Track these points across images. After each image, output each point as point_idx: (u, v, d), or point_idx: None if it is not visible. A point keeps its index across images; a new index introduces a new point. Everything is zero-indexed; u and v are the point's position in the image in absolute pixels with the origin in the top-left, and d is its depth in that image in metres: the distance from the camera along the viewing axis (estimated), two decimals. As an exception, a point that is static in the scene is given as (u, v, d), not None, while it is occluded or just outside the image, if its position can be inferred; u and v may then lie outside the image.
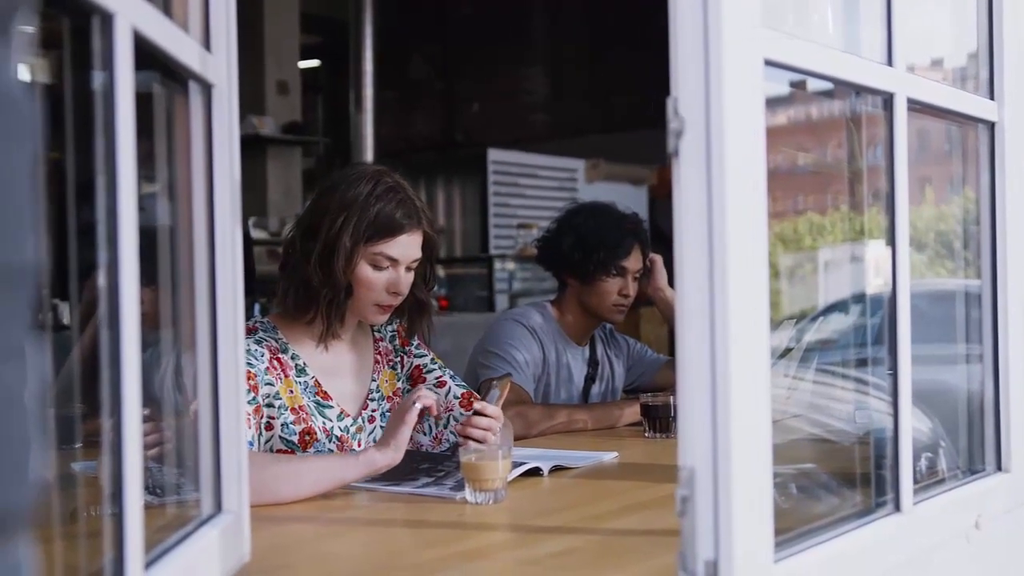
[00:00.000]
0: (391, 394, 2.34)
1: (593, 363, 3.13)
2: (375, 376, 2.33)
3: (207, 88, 1.34)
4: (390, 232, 2.15)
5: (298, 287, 2.18)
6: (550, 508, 1.90)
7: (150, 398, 1.12)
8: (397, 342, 2.39)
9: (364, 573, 1.53)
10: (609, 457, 2.33)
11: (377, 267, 2.16)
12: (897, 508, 1.50)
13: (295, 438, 2.14)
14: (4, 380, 0.56)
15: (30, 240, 0.58)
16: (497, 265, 7.51)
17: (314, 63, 10.10)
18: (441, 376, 2.38)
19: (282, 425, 2.13)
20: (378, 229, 2.14)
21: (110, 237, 0.99)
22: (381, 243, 2.15)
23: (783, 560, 1.25)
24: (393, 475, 2.02)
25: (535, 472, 2.09)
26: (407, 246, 2.18)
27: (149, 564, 1.08)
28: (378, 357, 2.35)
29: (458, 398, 2.33)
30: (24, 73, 0.59)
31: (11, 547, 0.57)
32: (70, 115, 1.08)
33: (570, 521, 1.76)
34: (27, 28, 0.60)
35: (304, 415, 2.16)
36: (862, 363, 1.92)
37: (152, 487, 1.33)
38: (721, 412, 1.15)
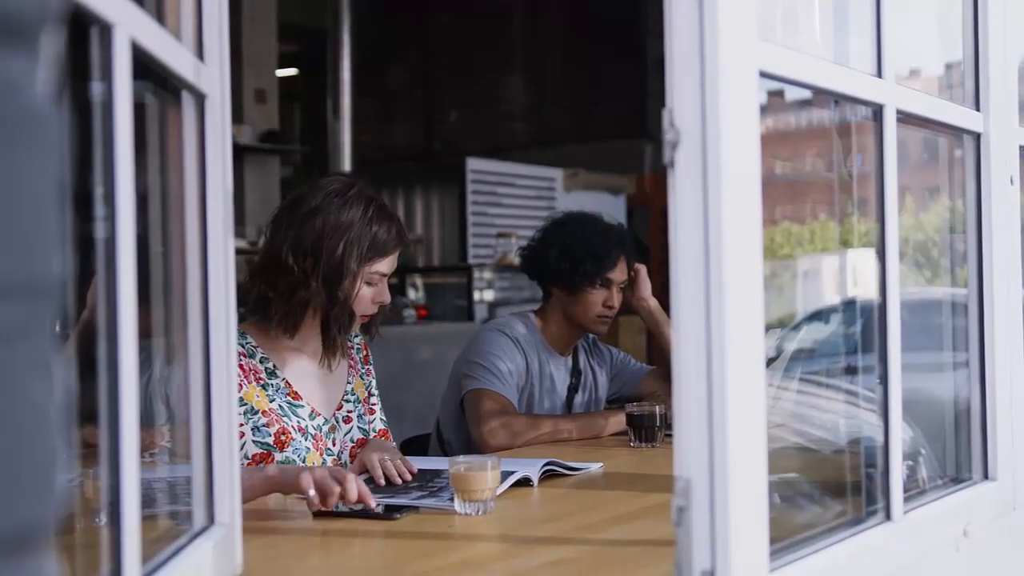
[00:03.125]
0: (363, 399, 2.44)
1: (576, 373, 3.13)
2: (350, 379, 2.41)
3: (200, 98, 1.33)
4: (386, 252, 2.28)
5: (298, 307, 2.23)
6: (540, 518, 1.90)
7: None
8: (361, 356, 2.49)
9: (355, 585, 1.52)
10: (596, 467, 2.33)
11: (370, 284, 2.27)
12: (888, 517, 1.50)
13: (270, 439, 2.19)
14: (32, 393, 0.56)
15: (57, 254, 0.58)
16: (476, 274, 7.49)
17: (292, 71, 10.08)
18: (375, 405, 2.49)
19: (253, 429, 2.18)
20: (377, 250, 2.26)
21: (108, 247, 0.99)
22: (379, 263, 2.27)
23: (778, 569, 1.25)
24: (387, 490, 2.01)
25: (524, 482, 2.09)
26: (394, 260, 2.32)
27: (145, 577, 1.08)
28: (351, 363, 2.44)
29: (375, 432, 2.42)
30: (50, 86, 0.59)
31: (38, 561, 0.56)
32: (65, 125, 1.07)
33: (561, 531, 1.75)
34: (54, 42, 0.60)
35: (275, 416, 2.21)
36: (845, 372, 1.93)
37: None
38: (717, 422, 1.15)
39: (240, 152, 7.31)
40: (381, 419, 2.49)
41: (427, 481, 2.10)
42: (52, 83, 0.60)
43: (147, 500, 1.39)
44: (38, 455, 0.56)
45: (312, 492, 1.79)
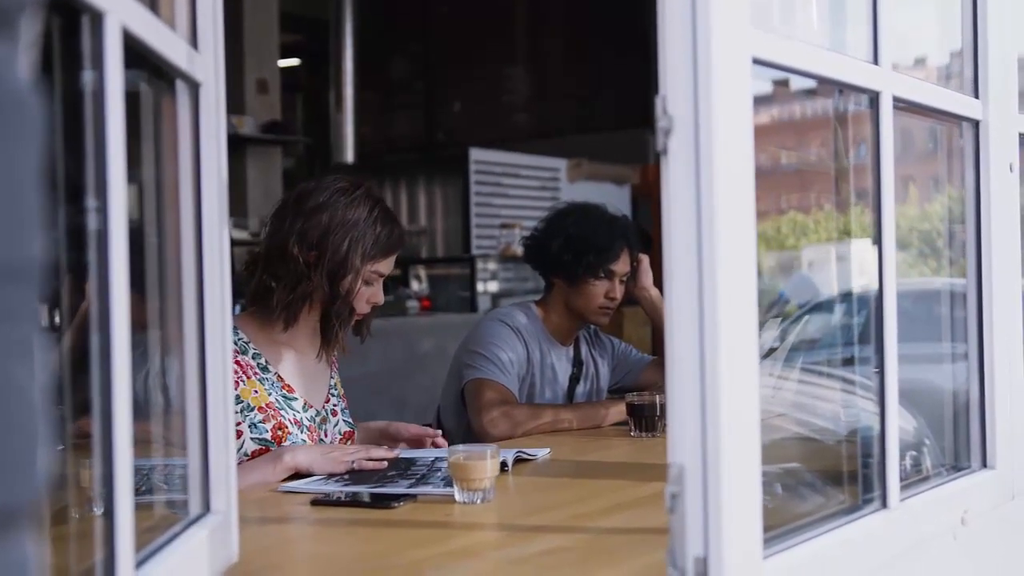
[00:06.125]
0: (343, 395, 2.49)
1: (578, 363, 3.13)
2: (333, 375, 2.46)
3: (194, 87, 1.33)
4: (388, 252, 2.32)
5: (299, 299, 2.26)
6: (538, 507, 1.90)
7: (135, 399, 1.12)
8: (336, 355, 2.51)
9: (352, 573, 1.52)
10: (543, 453, 2.35)
11: (367, 283, 2.31)
12: (884, 504, 1.50)
13: (268, 435, 2.22)
14: (14, 376, 0.56)
15: (37, 238, 0.59)
16: (479, 265, 7.49)
17: (294, 62, 10.08)
18: (343, 404, 2.50)
19: (251, 426, 2.21)
20: (380, 250, 2.29)
21: (100, 238, 0.99)
22: (379, 262, 2.31)
23: (772, 556, 1.25)
24: (372, 480, 2.02)
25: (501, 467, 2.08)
26: (392, 262, 2.36)
27: (139, 564, 1.08)
28: (333, 359, 2.47)
29: (341, 434, 2.43)
30: (30, 70, 0.59)
31: (18, 542, 0.57)
32: (56, 114, 1.07)
33: (558, 520, 1.76)
34: (33, 27, 0.60)
35: (273, 411, 2.24)
36: (847, 362, 1.93)
37: (138, 487, 1.32)
38: (711, 409, 1.15)
39: (242, 143, 7.31)
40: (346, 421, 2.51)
41: (405, 469, 2.11)
42: (31, 69, 0.60)
43: (148, 488, 1.40)
44: (19, 436, 0.57)
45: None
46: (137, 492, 1.14)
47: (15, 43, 0.57)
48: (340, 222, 2.25)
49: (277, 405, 2.25)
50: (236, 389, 2.19)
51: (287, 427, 2.24)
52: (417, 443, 2.41)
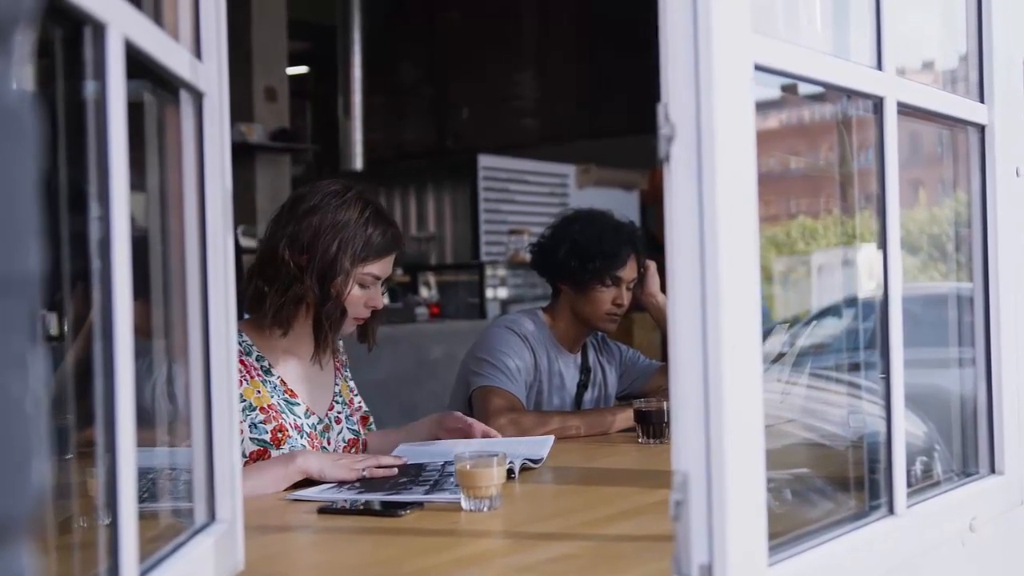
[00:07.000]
0: (349, 401, 2.47)
1: (585, 370, 3.12)
2: (337, 381, 2.45)
3: (198, 97, 1.33)
4: (380, 254, 2.30)
5: (291, 302, 2.26)
6: (545, 514, 1.90)
7: (142, 408, 1.12)
8: (344, 360, 2.52)
9: (358, 581, 1.52)
10: (548, 443, 2.38)
11: (362, 285, 2.30)
12: (891, 511, 1.50)
13: (267, 436, 2.23)
14: (7, 387, 0.56)
15: (32, 250, 0.59)
16: (488, 272, 7.49)
17: (302, 69, 10.09)
18: (358, 399, 2.51)
19: (251, 426, 2.21)
20: (371, 251, 2.28)
21: (103, 247, 0.99)
22: (372, 264, 2.30)
23: (777, 564, 1.25)
24: (384, 488, 2.01)
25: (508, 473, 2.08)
26: (390, 265, 2.34)
27: (144, 573, 1.08)
28: (338, 365, 2.48)
29: (345, 442, 2.42)
30: (24, 83, 0.60)
31: (13, 554, 0.57)
32: (60, 124, 1.07)
33: (565, 527, 1.75)
34: (27, 39, 0.60)
35: (274, 413, 2.25)
36: (855, 367, 1.92)
37: (143, 495, 1.32)
38: (714, 416, 1.15)
39: (250, 151, 7.31)
40: (351, 429, 2.49)
41: (416, 476, 2.11)
42: (27, 81, 0.61)
43: (153, 495, 1.40)
44: (13, 448, 0.57)
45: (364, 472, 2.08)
46: (141, 499, 1.14)
47: (9, 56, 0.57)
48: (330, 224, 2.25)
49: (279, 408, 2.26)
50: (239, 388, 2.19)
51: (287, 430, 2.24)
52: (465, 434, 2.43)
